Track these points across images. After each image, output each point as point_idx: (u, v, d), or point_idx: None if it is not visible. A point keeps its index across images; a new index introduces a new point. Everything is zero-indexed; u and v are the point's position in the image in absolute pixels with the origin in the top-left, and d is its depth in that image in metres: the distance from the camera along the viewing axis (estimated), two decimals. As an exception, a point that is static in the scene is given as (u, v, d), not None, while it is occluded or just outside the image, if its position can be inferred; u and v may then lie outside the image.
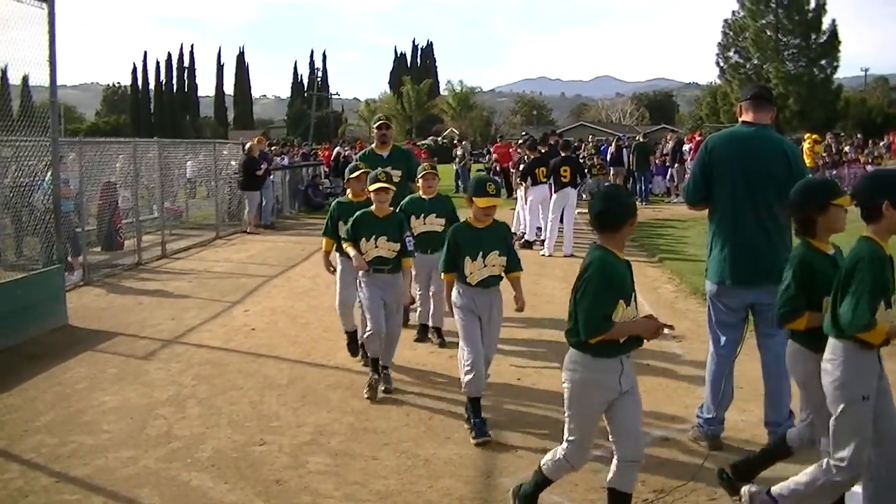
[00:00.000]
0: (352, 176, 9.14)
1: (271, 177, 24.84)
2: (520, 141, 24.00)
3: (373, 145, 11.23)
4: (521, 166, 20.22)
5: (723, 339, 6.58)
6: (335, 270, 9.36)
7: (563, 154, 18.46)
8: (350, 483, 6.05)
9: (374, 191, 8.12)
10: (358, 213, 8.30)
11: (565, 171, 17.70)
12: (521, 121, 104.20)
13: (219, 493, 5.92)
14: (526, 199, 19.23)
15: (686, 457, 6.40)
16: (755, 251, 6.34)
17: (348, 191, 9.32)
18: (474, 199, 7.02)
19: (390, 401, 7.85)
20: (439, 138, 47.25)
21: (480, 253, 7.07)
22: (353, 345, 9.40)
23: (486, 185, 7.09)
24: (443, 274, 7.34)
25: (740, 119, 6.61)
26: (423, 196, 9.69)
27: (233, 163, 24.48)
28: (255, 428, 7.21)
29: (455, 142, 44.23)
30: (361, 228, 8.16)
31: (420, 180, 9.67)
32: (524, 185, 19.15)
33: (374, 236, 8.11)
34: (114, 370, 9.06)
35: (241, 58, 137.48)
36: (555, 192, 17.72)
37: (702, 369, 6.94)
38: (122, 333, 10.68)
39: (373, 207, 8.23)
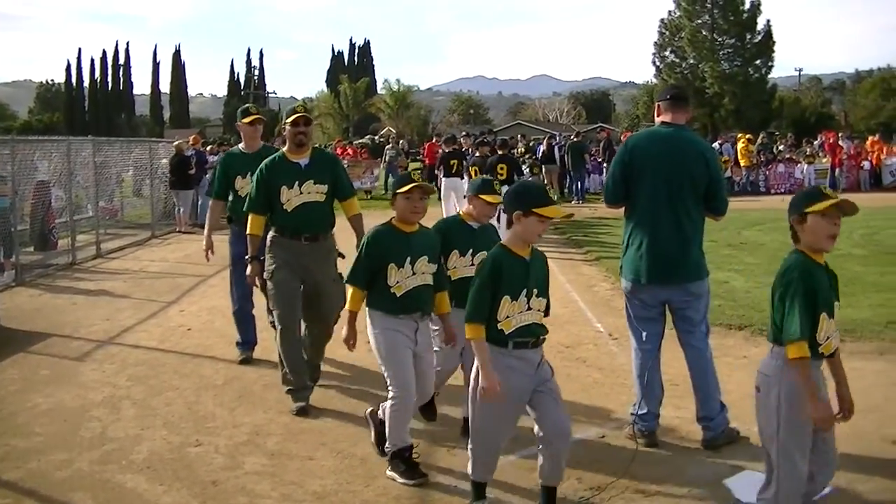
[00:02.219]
0: (401, 190, 5.91)
1: (207, 176, 24.66)
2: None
3: (284, 149, 7.67)
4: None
5: (644, 333, 6.71)
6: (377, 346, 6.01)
7: (499, 152, 18.54)
8: (287, 483, 6.04)
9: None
10: (499, 255, 5.09)
11: (502, 168, 17.78)
12: (459, 120, 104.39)
13: (154, 494, 5.88)
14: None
15: (622, 454, 6.44)
16: (671, 251, 6.43)
17: (392, 216, 6.03)
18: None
19: (326, 400, 7.82)
20: (376, 137, 47.11)
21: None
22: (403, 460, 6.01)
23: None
24: None
25: (658, 119, 6.70)
26: (471, 223, 6.46)
27: (163, 161, 24.20)
28: (191, 429, 7.16)
29: (380, 139, 43.85)
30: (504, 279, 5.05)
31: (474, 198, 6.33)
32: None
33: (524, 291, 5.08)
34: (47, 372, 8.94)
35: (177, 55, 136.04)
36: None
37: (638, 368, 7.04)
38: (55, 334, 10.54)
39: (511, 242, 5.14)
